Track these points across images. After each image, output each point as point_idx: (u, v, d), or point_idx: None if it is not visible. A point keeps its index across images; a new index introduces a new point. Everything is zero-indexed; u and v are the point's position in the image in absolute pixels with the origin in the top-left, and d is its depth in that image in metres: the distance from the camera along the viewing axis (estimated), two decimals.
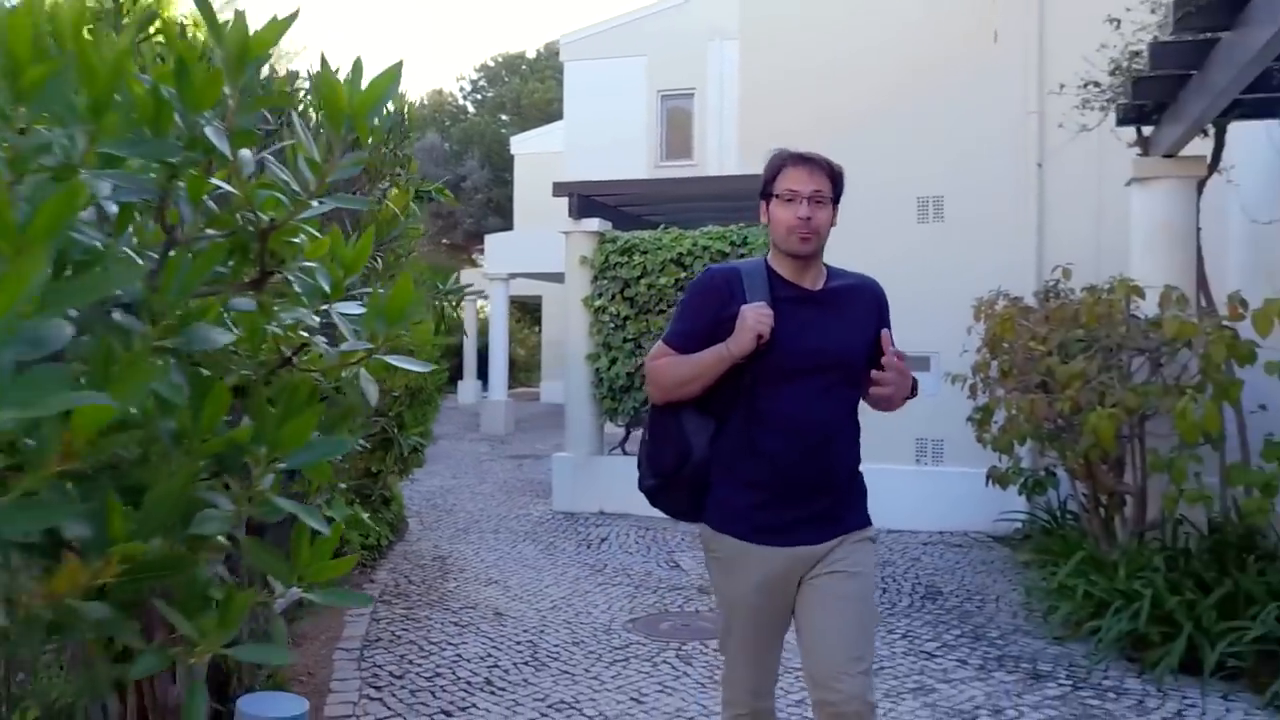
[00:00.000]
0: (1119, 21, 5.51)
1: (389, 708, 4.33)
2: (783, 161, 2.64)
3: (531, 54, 43.71)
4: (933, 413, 7.73)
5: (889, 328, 2.70)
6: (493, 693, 4.53)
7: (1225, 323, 5.16)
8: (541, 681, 4.68)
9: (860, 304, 2.71)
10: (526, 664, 4.93)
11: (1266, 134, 6.07)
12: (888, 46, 8.73)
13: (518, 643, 5.28)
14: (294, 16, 1.47)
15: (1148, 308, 5.59)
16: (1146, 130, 6.12)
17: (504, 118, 40.72)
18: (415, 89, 53.13)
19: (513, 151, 25.47)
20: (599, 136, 17.07)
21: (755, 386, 2.59)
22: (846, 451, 2.67)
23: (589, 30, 17.68)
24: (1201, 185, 5.97)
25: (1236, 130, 6.13)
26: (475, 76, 44.18)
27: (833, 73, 9.00)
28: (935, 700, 4.41)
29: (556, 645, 5.24)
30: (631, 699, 4.48)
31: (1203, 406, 5.00)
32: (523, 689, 4.57)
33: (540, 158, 22.37)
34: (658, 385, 2.69)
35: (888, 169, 8.23)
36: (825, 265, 2.75)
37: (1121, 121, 6.11)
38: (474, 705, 4.37)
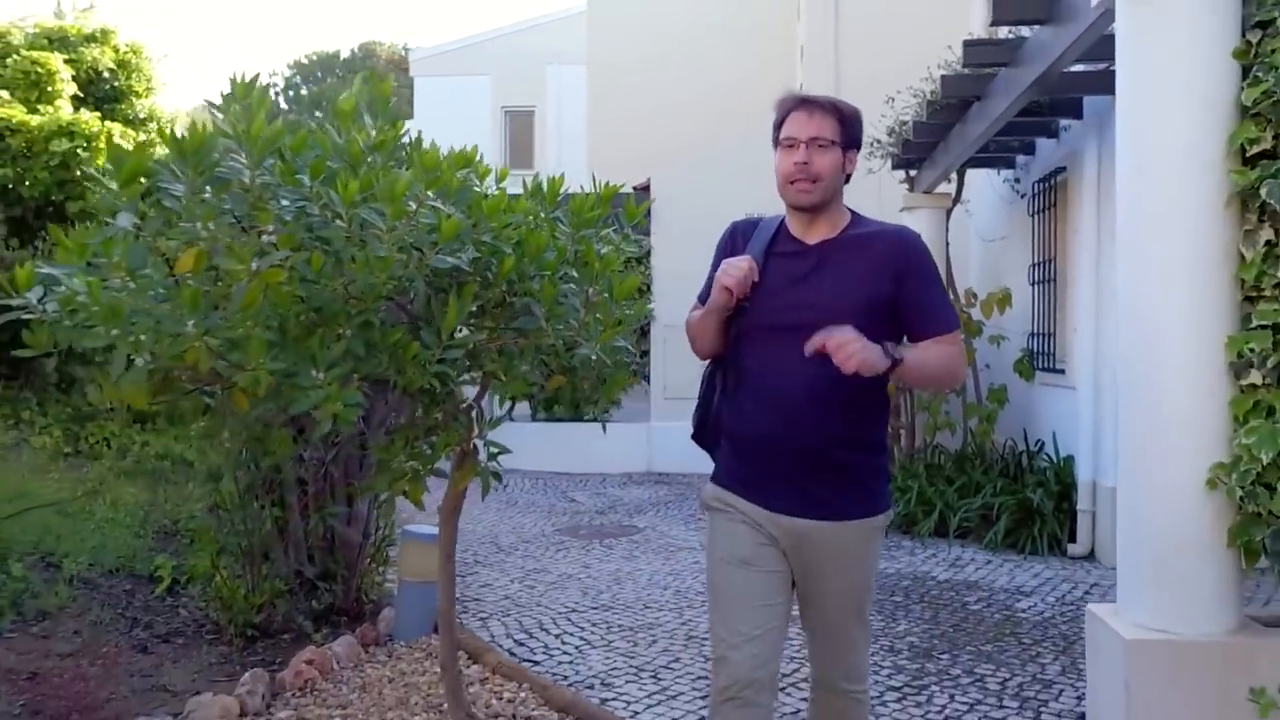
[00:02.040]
0: (893, 99, 7.94)
1: None
2: (787, 108, 2.42)
3: (345, 54, 44.35)
4: None
5: (923, 283, 2.38)
6: (485, 566, 6.45)
7: (961, 308, 7.71)
8: (512, 559, 6.63)
9: (868, 257, 2.37)
10: (496, 552, 6.86)
11: (990, 179, 8.72)
12: (714, 92, 11.12)
13: (482, 541, 7.19)
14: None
15: None
16: (913, 173, 8.65)
17: (320, 116, 40.81)
18: (224, 84, 52.31)
19: None
20: (446, 145, 18.73)
21: (739, 344, 2.43)
22: (841, 421, 2.33)
23: (437, 49, 19.34)
24: (949, 213, 8.55)
25: (972, 175, 8.74)
26: (289, 74, 44.32)
27: (668, 111, 11.34)
28: None
29: (511, 543, 7.18)
30: (580, 565, 6.49)
31: None
32: (503, 563, 6.51)
33: None
34: (690, 340, 2.58)
35: (723, 191, 10.53)
36: (854, 215, 2.48)
37: (895, 167, 8.61)
38: (476, 571, 6.28)
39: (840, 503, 2.38)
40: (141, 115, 9.97)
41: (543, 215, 2.79)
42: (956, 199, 8.59)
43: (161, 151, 3.00)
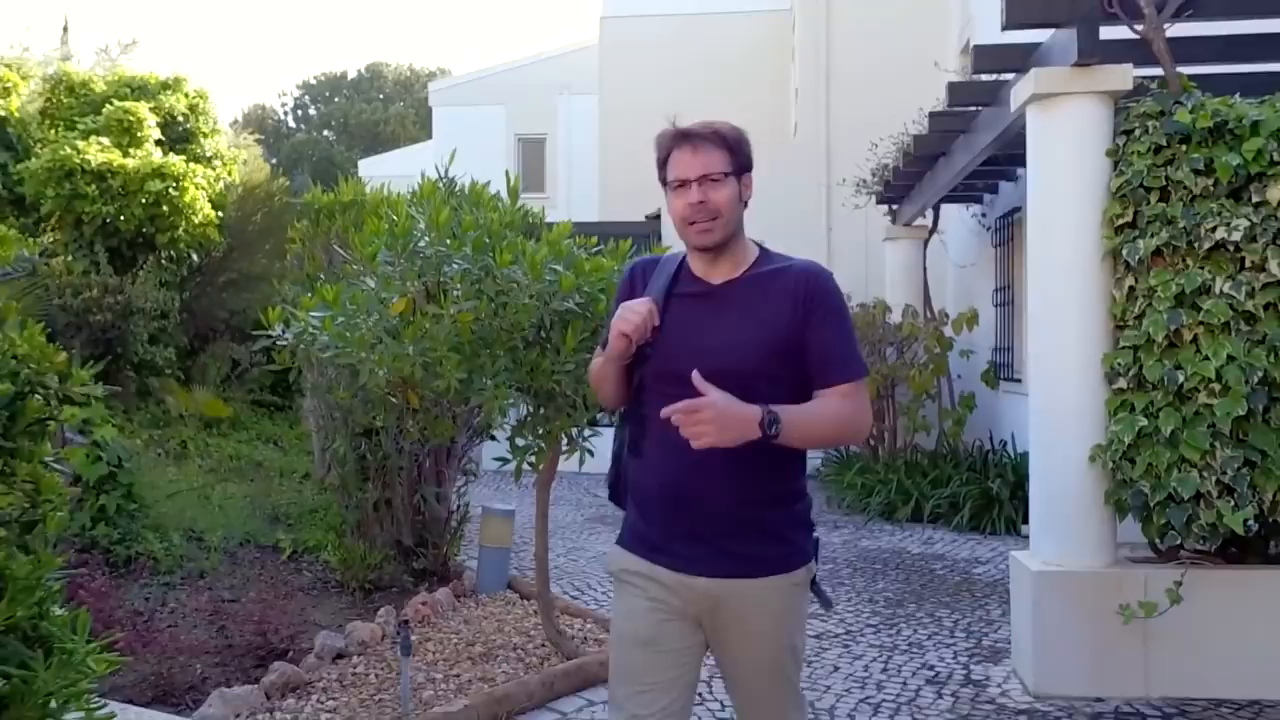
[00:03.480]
0: (876, 145, 9.19)
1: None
2: (667, 145, 2.25)
3: (353, 74, 45.63)
4: None
5: (825, 324, 2.17)
6: (532, 545, 7.62)
7: (936, 325, 8.96)
8: (553, 541, 7.81)
9: (775, 295, 2.19)
10: None
11: (961, 213, 9.98)
12: None
13: (526, 527, 8.36)
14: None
15: (894, 317, 9.32)
16: (895, 208, 9.90)
17: (329, 135, 42.63)
18: (236, 103, 53.72)
19: (361, 174, 27.73)
20: (464, 167, 20.01)
21: (641, 393, 2.26)
22: (752, 473, 2.14)
23: (455, 81, 20.66)
24: (926, 243, 9.80)
25: (946, 209, 9.99)
26: (298, 94, 45.61)
27: None
28: None
29: (550, 529, 8.36)
30: (611, 545, 7.69)
31: (923, 376, 8.76)
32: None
33: (388, 180, 24.94)
34: (594, 390, 2.43)
35: None
36: (762, 251, 2.30)
37: (879, 203, 9.86)
38: (526, 549, 7.47)
39: (755, 559, 2.19)
40: (209, 153, 11.19)
41: (618, 269, 4.02)
42: (933, 230, 9.83)
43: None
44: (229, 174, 11.33)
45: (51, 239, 10.22)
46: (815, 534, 2.33)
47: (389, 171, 25.22)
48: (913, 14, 11.71)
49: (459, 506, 6.19)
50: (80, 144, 9.47)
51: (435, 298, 3.51)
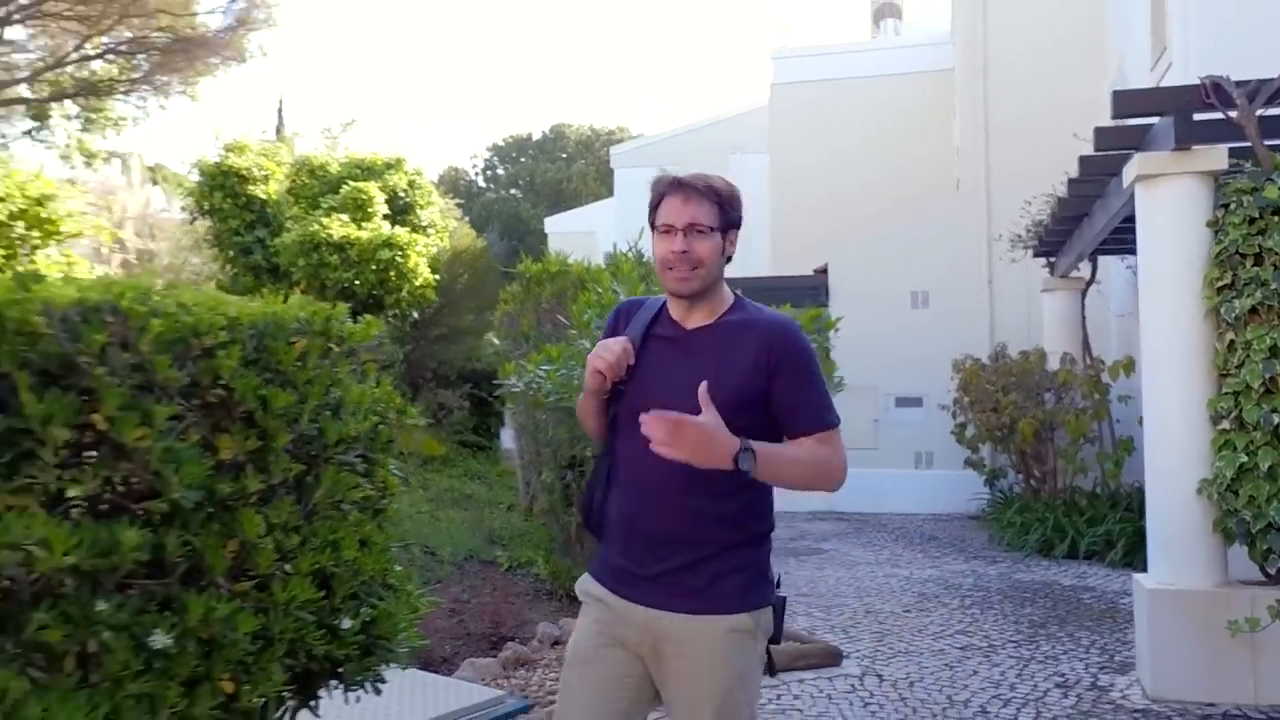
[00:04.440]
0: (1030, 203, 9.78)
1: None
2: (661, 191, 2.29)
3: (538, 135, 48.39)
4: (926, 433, 11.93)
5: (794, 378, 2.21)
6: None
7: (1093, 372, 9.43)
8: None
9: (741, 345, 2.23)
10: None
11: (1117, 264, 10.40)
12: (880, 183, 13.16)
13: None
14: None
15: (1052, 364, 9.82)
16: (1052, 260, 10.41)
17: (515, 193, 45.31)
18: (431, 166, 57.77)
19: (546, 230, 29.61)
20: (643, 224, 21.39)
21: (615, 428, 2.33)
22: (711, 511, 2.18)
23: (634, 145, 22.18)
24: (1084, 293, 10.26)
25: (1105, 261, 10.43)
26: (488, 155, 48.71)
27: (841, 199, 13.42)
28: (946, 572, 8.50)
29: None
30: (780, 572, 8.49)
31: (1080, 421, 9.24)
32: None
33: (570, 236, 26.59)
34: (580, 422, 2.54)
35: (890, 271, 12.50)
36: (738, 300, 2.35)
37: (1036, 255, 10.40)
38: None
39: (700, 596, 2.19)
40: (425, 223, 12.79)
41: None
42: (1090, 281, 10.28)
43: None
44: (441, 240, 12.89)
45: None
46: (776, 587, 2.32)
47: (572, 228, 27.04)
48: (1068, 67, 12.22)
49: None
50: (324, 220, 11.16)
51: None
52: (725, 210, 2.27)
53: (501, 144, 48.70)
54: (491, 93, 75.32)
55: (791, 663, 5.23)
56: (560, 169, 44.10)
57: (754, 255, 19.38)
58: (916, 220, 12.73)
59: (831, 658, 5.42)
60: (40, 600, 2.13)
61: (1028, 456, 9.99)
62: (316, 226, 10.97)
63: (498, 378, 4.77)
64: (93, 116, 16.25)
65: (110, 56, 14.18)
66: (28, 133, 16.81)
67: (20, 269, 3.34)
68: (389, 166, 12.68)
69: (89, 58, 14.31)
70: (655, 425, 2.03)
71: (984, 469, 10.89)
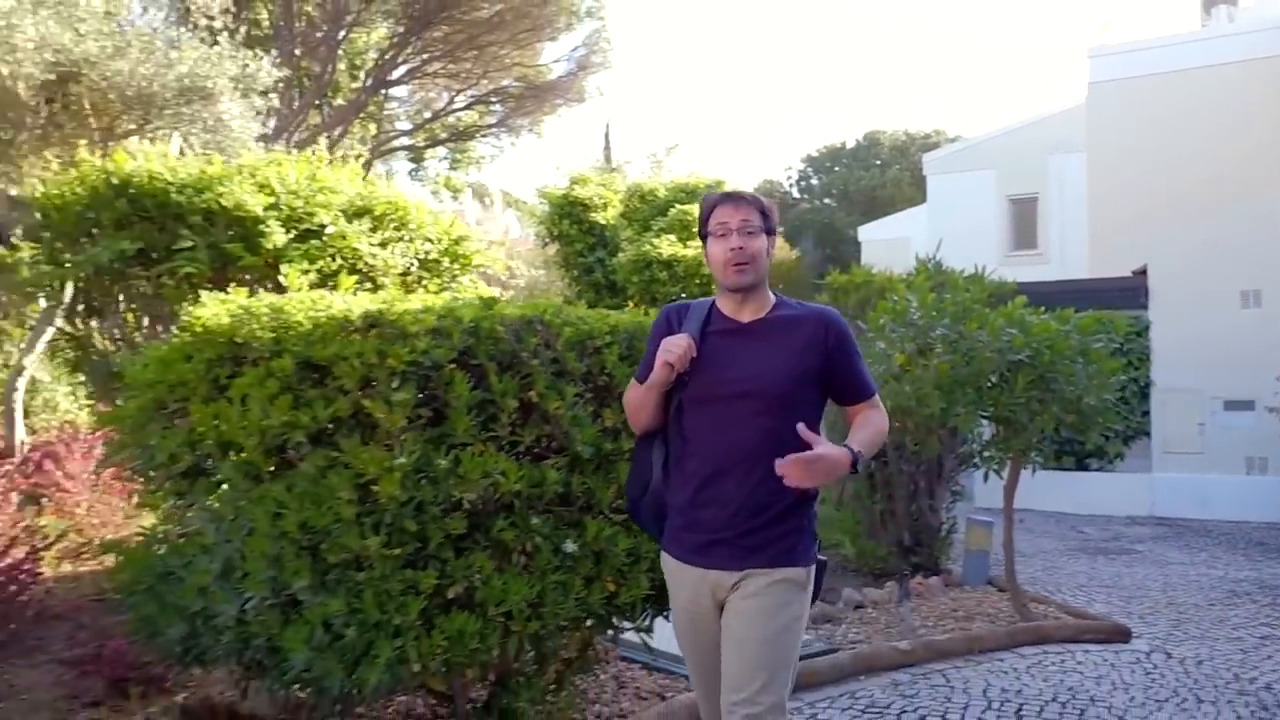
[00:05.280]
0: None
1: None
2: (713, 203, 2.68)
3: (851, 143, 48.65)
4: (1258, 438, 11.47)
5: (847, 357, 2.67)
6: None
7: None
8: (1033, 561, 9.00)
9: (799, 334, 2.63)
10: (1020, 557, 9.28)
11: None
12: (1207, 180, 12.66)
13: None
14: None
15: None
16: None
17: (829, 203, 45.89)
18: (748, 180, 59.53)
19: (860, 239, 30.00)
20: (956, 229, 21.39)
21: (680, 414, 2.66)
22: (769, 480, 2.47)
23: (946, 152, 22.28)
24: None
25: None
26: (801, 167, 49.62)
27: (1163, 198, 13.05)
28: (1265, 574, 8.37)
29: (1031, 553, 9.55)
30: (1087, 568, 8.72)
31: None
32: (1027, 563, 8.92)
33: (885, 244, 26.79)
34: (627, 416, 2.85)
35: (1217, 269, 12.10)
36: (778, 298, 2.72)
37: None
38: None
39: (765, 553, 2.54)
40: None
41: (1060, 329, 5.46)
42: None
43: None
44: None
45: None
46: (818, 544, 2.71)
47: (886, 235, 27.32)
48: None
49: (947, 518, 7.78)
50: (654, 241, 12.53)
51: (924, 353, 5.25)
52: (766, 218, 2.67)
53: (815, 155, 49.38)
54: (805, 106, 76.21)
55: (1078, 634, 5.71)
56: (874, 176, 44.12)
57: (1071, 257, 18.98)
58: (1248, 216, 12.23)
59: (1119, 634, 5.82)
60: (500, 513, 3.28)
61: None
62: (648, 247, 12.36)
63: None
64: (458, 157, 18.82)
65: (475, 106, 16.48)
66: (409, 173, 19.75)
67: (452, 295, 4.63)
68: (710, 189, 13.89)
69: (457, 109, 16.70)
70: (790, 468, 2.40)
71: None
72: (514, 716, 3.75)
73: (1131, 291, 12.91)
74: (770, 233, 2.68)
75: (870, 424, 2.66)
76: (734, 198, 2.67)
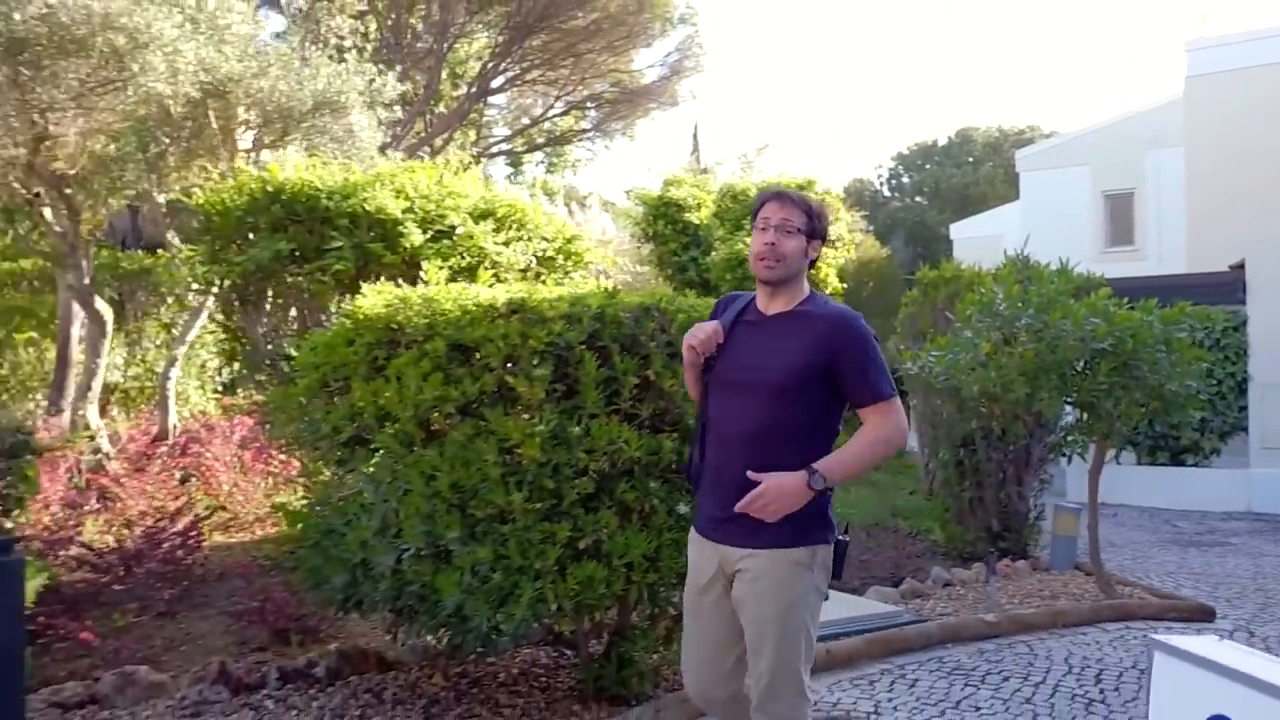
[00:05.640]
0: None
1: None
2: (764, 198, 2.78)
3: (943, 141, 48.14)
4: None
5: (856, 359, 2.69)
6: (1103, 553, 9.08)
7: None
8: (1123, 551, 9.14)
9: (808, 331, 2.70)
10: (1110, 547, 9.40)
11: None
12: None
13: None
14: None
15: None
16: None
17: (920, 201, 45.55)
18: (838, 180, 59.37)
19: (951, 237, 29.82)
20: (1049, 226, 21.25)
21: (706, 396, 2.86)
22: (774, 463, 2.63)
23: (1040, 148, 22.14)
24: None
25: None
26: (892, 165, 49.31)
27: (1262, 192, 12.92)
28: None
29: (1121, 543, 9.67)
30: (1178, 558, 8.83)
31: None
32: (1116, 554, 9.06)
33: (976, 241, 26.59)
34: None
35: None
36: (811, 295, 2.81)
37: None
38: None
39: (768, 534, 2.65)
40: (832, 237, 14.16)
41: (1143, 319, 5.70)
42: None
43: None
44: (848, 252, 14.20)
45: None
46: (844, 533, 2.83)
47: (977, 233, 27.14)
48: None
49: (1035, 505, 8.01)
50: (746, 240, 12.92)
51: (1009, 341, 5.56)
52: (813, 220, 2.78)
53: (906, 152, 49.00)
54: (896, 103, 75.52)
55: (1161, 613, 5.94)
56: (966, 173, 43.64)
57: (1169, 253, 18.72)
58: None
59: (1203, 614, 6.03)
60: (623, 477, 3.73)
61: None
62: (740, 246, 12.73)
63: (897, 371, 6.00)
64: (554, 161, 19.46)
65: (571, 112, 17.07)
66: (506, 177, 20.48)
67: (571, 288, 5.09)
68: (800, 188, 14.20)
69: (554, 115, 17.31)
70: (749, 508, 2.62)
71: None
72: (630, 663, 4.20)
73: (1229, 286, 12.81)
74: (813, 236, 2.78)
75: (861, 436, 2.72)
76: (782, 196, 2.79)
